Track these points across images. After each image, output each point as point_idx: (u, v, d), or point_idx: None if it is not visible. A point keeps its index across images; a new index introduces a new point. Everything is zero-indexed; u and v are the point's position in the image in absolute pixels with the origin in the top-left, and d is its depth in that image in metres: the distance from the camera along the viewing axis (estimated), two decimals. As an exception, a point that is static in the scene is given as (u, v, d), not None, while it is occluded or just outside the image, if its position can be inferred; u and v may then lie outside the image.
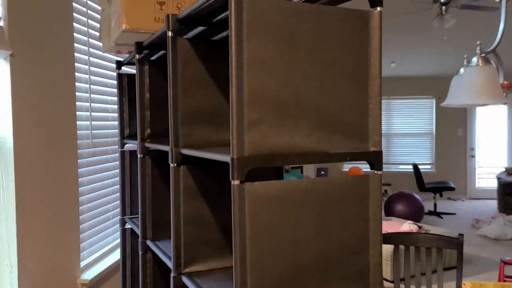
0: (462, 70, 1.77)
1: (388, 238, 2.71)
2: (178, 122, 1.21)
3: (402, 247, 3.91)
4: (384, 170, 9.20)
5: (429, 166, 9.07)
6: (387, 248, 4.49)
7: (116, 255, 2.61)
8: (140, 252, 1.59)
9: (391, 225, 5.12)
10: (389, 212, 6.49)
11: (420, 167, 9.04)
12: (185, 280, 1.19)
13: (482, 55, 1.58)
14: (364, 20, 0.94)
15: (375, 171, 0.96)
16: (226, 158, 0.89)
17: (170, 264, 1.30)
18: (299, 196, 0.89)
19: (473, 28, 5.92)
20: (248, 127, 0.85)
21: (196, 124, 1.23)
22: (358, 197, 0.95)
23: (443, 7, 5.02)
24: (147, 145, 1.57)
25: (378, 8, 0.95)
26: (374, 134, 0.96)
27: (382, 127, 9.23)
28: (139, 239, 1.59)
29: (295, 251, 0.89)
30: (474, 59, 1.59)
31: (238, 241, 0.84)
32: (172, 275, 1.22)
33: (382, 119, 9.21)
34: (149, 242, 1.57)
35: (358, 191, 0.95)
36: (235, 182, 0.84)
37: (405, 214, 6.35)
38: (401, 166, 9.20)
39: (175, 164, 1.21)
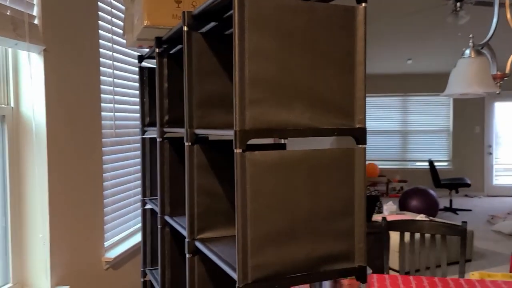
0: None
1: (393, 224, 2.83)
2: (193, 106, 1.38)
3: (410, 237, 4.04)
4: (400, 167, 9.24)
5: (445, 163, 9.08)
6: (395, 238, 4.59)
7: (138, 238, 2.81)
8: (159, 227, 1.77)
9: (404, 219, 5.21)
10: (404, 207, 6.57)
11: (436, 164, 9.06)
12: (197, 244, 1.36)
13: (475, 47, 1.70)
14: (350, 14, 1.09)
15: (360, 145, 1.11)
16: (230, 132, 1.05)
17: (185, 233, 1.47)
18: (293, 163, 1.05)
19: (487, 24, 5.94)
20: (249, 105, 1.01)
21: (208, 108, 1.40)
22: (344, 166, 1.10)
23: (458, 4, 5.08)
24: (165, 129, 1.74)
25: (363, 4, 1.09)
26: (359, 112, 1.11)
27: (398, 124, 9.27)
28: (158, 215, 1.77)
29: (289, 209, 1.04)
30: (467, 51, 1.71)
31: (240, 200, 1.00)
32: (186, 240, 1.39)
33: (398, 116, 9.25)
34: (166, 217, 1.74)
35: (344, 161, 1.10)
36: (238, 150, 1.00)
37: (419, 209, 6.42)
38: (417, 163, 9.23)
39: (190, 143, 1.38)
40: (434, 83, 9.00)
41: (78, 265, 2.21)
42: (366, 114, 8.96)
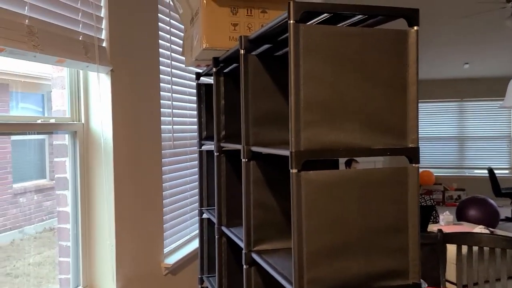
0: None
1: (450, 237, 2.77)
2: (249, 124, 1.45)
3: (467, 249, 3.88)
4: (457, 174, 8.90)
5: (506, 171, 8.64)
6: (452, 249, 4.45)
7: (195, 244, 2.93)
8: (216, 237, 1.86)
9: (461, 230, 5.04)
10: (461, 217, 6.33)
11: (496, 171, 8.64)
12: (254, 256, 1.43)
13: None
14: (402, 37, 1.13)
15: (413, 164, 1.14)
16: (286, 152, 1.11)
17: (241, 244, 1.55)
18: (346, 182, 1.09)
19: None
20: (304, 127, 1.07)
21: (263, 125, 1.47)
22: (398, 185, 1.13)
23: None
24: (222, 144, 1.84)
25: (415, 28, 1.13)
26: (411, 132, 1.14)
27: (454, 131, 8.94)
28: (215, 226, 1.86)
29: (342, 226, 1.09)
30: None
31: (296, 216, 1.06)
32: (243, 251, 1.46)
33: (454, 122, 8.93)
34: (223, 228, 1.83)
35: (397, 179, 1.13)
36: (294, 171, 1.06)
37: (478, 219, 6.16)
38: (476, 171, 8.86)
39: (246, 159, 1.46)
40: (492, 87, 8.62)
41: (140, 271, 2.35)
42: (421, 120, 8.69)
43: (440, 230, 2.76)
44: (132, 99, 2.30)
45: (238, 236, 1.66)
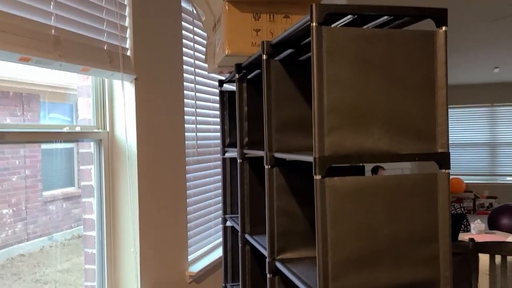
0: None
1: (482, 246, 2.67)
2: (272, 130, 1.43)
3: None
4: (488, 182, 8.63)
5: (540, 177, 8.32)
6: (485, 259, 4.29)
7: (218, 253, 2.91)
8: (240, 245, 1.83)
9: (493, 239, 4.85)
10: (493, 226, 6.11)
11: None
12: (278, 264, 1.40)
13: None
14: (430, 39, 1.08)
15: (443, 170, 1.09)
16: (309, 158, 1.08)
17: (265, 252, 1.52)
18: (373, 189, 1.05)
19: None
20: (328, 132, 1.04)
21: (286, 131, 1.44)
22: (427, 192, 1.08)
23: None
24: (245, 151, 1.82)
25: (443, 28, 1.08)
26: (441, 137, 1.09)
27: (485, 137, 8.69)
28: (239, 233, 1.84)
29: (369, 236, 1.05)
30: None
31: (320, 225, 1.03)
32: (267, 260, 1.43)
33: (485, 127, 8.67)
34: (247, 236, 1.80)
35: (427, 187, 1.08)
36: (317, 177, 1.03)
37: (511, 228, 5.93)
38: (508, 178, 8.57)
39: (269, 166, 1.43)
40: (525, 91, 8.34)
41: (164, 278, 2.34)
42: (450, 126, 8.47)
43: (471, 239, 2.66)
44: (156, 107, 2.31)
45: (261, 244, 1.63)
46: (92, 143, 2.15)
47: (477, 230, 4.98)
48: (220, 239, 3.14)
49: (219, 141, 3.15)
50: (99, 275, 2.14)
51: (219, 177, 3.14)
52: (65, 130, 1.92)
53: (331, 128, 1.04)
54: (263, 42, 1.39)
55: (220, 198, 3.15)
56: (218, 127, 3.14)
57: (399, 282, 1.07)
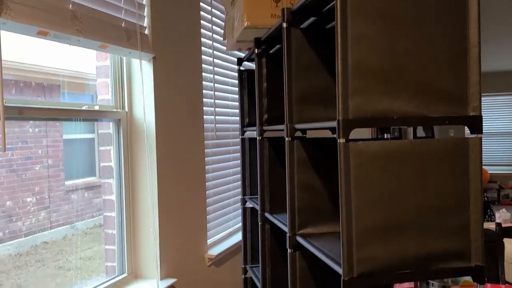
0: None
1: (509, 231, 2.57)
2: (292, 102, 1.38)
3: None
4: (516, 171, 8.38)
5: None
6: (510, 248, 4.16)
7: (238, 237, 2.89)
8: (259, 223, 1.80)
9: (520, 228, 4.71)
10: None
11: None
12: (299, 239, 1.36)
13: None
14: (461, -6, 1.02)
15: (476, 135, 1.03)
16: (332, 123, 1.04)
17: (285, 229, 1.48)
18: (400, 154, 1.00)
19: None
20: (352, 94, 0.99)
21: (307, 103, 1.40)
22: (458, 158, 1.03)
23: None
24: (264, 128, 1.77)
25: (475, -17, 1.02)
26: (473, 99, 1.03)
27: (510, 126, 8.43)
28: (259, 212, 1.80)
29: (395, 204, 1.00)
30: None
31: (344, 192, 0.98)
32: (288, 235, 1.39)
33: (510, 117, 8.42)
34: (267, 214, 1.77)
35: (458, 152, 1.02)
36: (341, 140, 0.98)
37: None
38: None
39: (290, 139, 1.39)
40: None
41: (183, 261, 2.33)
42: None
43: (499, 224, 2.57)
44: (174, 86, 2.28)
45: (281, 221, 1.59)
46: (111, 123, 2.13)
47: (503, 219, 4.84)
48: (240, 224, 3.12)
49: (237, 125, 3.11)
50: (119, 255, 2.13)
51: (238, 161, 3.11)
52: (84, 108, 1.91)
53: (355, 90, 0.99)
54: (283, 9, 1.35)
55: (239, 182, 3.12)
56: (237, 110, 3.11)
57: (427, 252, 1.02)
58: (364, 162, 0.99)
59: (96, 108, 1.99)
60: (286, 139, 1.39)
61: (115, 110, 2.10)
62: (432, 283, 1.87)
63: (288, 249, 1.39)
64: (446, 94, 1.02)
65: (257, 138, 1.79)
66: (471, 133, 1.04)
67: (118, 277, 2.10)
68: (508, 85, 8.33)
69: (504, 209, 5.17)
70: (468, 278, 1.86)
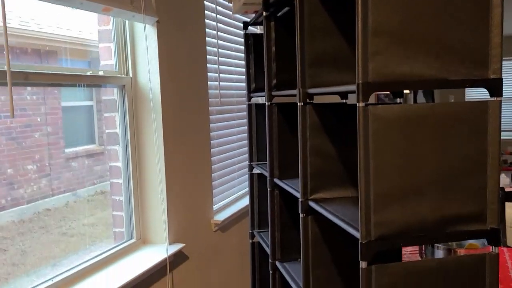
0: None
1: (509, 196, 2.60)
2: (305, 66, 1.36)
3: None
4: (513, 138, 8.42)
5: None
6: (509, 212, 4.22)
7: (242, 203, 2.91)
8: (268, 189, 1.81)
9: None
10: (518, 181, 5.99)
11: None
12: (311, 204, 1.37)
13: None
14: (486, -49, 0.98)
15: (495, 98, 1.02)
16: (351, 87, 1.02)
17: (297, 194, 1.48)
18: (418, 117, 0.99)
19: None
20: (372, 56, 0.97)
21: (320, 67, 1.37)
22: (477, 122, 1.02)
23: None
24: (273, 93, 1.75)
25: None
26: (494, 62, 1.01)
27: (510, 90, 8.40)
28: (268, 178, 1.81)
29: (414, 166, 1.00)
30: None
31: (362, 155, 0.98)
32: (300, 200, 1.40)
33: (510, 81, 8.38)
34: (276, 180, 1.77)
35: (477, 115, 1.01)
36: (360, 104, 0.97)
37: (536, 183, 5.81)
38: (534, 134, 8.33)
39: (302, 103, 1.37)
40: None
41: (190, 227, 2.35)
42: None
43: (502, 188, 2.60)
44: (178, 51, 2.24)
45: (292, 187, 1.59)
46: (115, 90, 2.11)
47: (501, 185, 4.89)
48: (245, 190, 3.14)
49: (241, 91, 3.08)
50: (127, 221, 2.15)
51: (242, 128, 3.10)
52: (88, 74, 1.88)
53: (375, 53, 0.97)
54: (296, -31, 1.30)
55: (243, 149, 3.12)
56: (241, 77, 3.07)
57: (444, 215, 1.02)
58: (383, 126, 0.98)
59: (101, 73, 1.95)
60: (299, 104, 1.37)
61: (119, 75, 2.07)
62: (438, 246, 1.90)
63: (300, 214, 1.40)
64: (467, 56, 1.00)
65: (266, 103, 1.77)
66: (491, 96, 1.02)
67: (127, 242, 2.12)
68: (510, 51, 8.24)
69: (503, 175, 5.21)
70: (473, 242, 1.89)
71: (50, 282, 1.70)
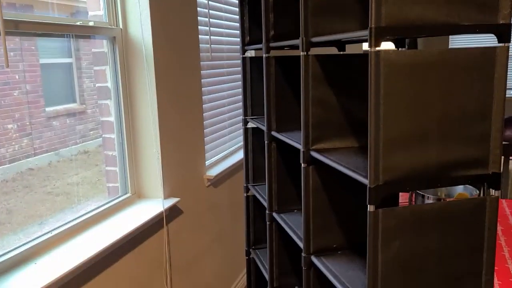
0: None
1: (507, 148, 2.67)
2: (308, 13, 1.34)
3: None
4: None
5: (546, 92, 8.27)
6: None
7: (235, 158, 2.92)
8: (266, 142, 1.81)
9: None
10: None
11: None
12: (313, 154, 1.38)
13: None
14: None
15: (503, 44, 1.03)
16: (363, 33, 1.01)
17: (297, 145, 1.49)
18: (429, 63, 1.00)
19: None
20: (385, 1, 0.95)
21: (324, 15, 1.35)
22: (484, 67, 1.03)
23: None
24: (271, 45, 1.73)
25: None
26: (504, 7, 1.01)
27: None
28: (265, 131, 1.81)
29: (422, 111, 1.01)
30: None
31: (373, 100, 0.98)
32: (302, 150, 1.41)
33: (494, 41, 8.44)
34: (274, 133, 1.78)
35: (484, 61, 1.02)
36: (373, 49, 0.96)
37: (514, 140, 6.00)
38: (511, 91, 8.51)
39: (306, 53, 1.36)
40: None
41: (184, 182, 2.36)
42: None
43: (507, 142, 2.66)
44: (169, 1, 2.17)
45: (291, 139, 1.60)
46: (105, 41, 2.04)
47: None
48: (237, 145, 3.15)
49: (232, 46, 3.03)
50: (121, 175, 2.14)
51: (233, 83, 3.07)
52: (78, 23, 1.81)
53: (388, -4, 0.95)
54: None
55: (235, 105, 3.10)
56: (231, 31, 3.01)
57: (449, 159, 1.05)
58: (394, 71, 0.98)
59: (91, 24, 1.89)
60: (302, 53, 1.36)
61: (109, 27, 2.00)
62: (428, 197, 1.96)
63: (302, 164, 1.42)
64: (477, 1, 1.00)
65: (264, 55, 1.75)
66: (499, 41, 1.03)
67: (122, 196, 2.13)
68: None
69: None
70: (462, 191, 1.95)
71: (49, 235, 1.70)
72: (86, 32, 1.86)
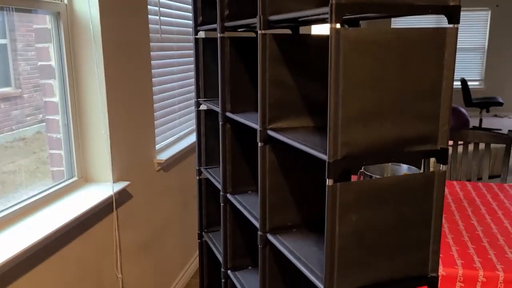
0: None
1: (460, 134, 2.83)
2: (266, -9, 1.33)
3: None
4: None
5: (477, 83, 8.85)
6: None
7: (186, 142, 2.88)
8: (220, 123, 1.80)
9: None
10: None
11: (468, 83, 8.82)
12: (270, 133, 1.39)
13: None
14: None
15: (453, 25, 1.08)
16: (324, 9, 1.02)
17: (254, 125, 1.50)
18: (387, 41, 1.03)
19: None
20: (346, -23, 0.97)
21: (281, -6, 1.35)
22: (436, 48, 1.07)
23: None
24: (226, 24, 1.71)
25: None
26: (455, -11, 1.06)
27: (431, 42, 8.91)
28: (219, 112, 1.79)
29: (379, 88, 1.04)
30: None
31: (333, 77, 1.00)
32: (259, 129, 1.41)
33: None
34: (228, 114, 1.77)
35: (436, 40, 1.07)
36: (333, 25, 0.98)
37: (450, 127, 6.38)
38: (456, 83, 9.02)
39: (262, 31, 1.35)
40: (472, -3, 8.50)
41: (133, 165, 2.30)
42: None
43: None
44: (119, -21, 2.08)
45: (246, 119, 1.60)
46: (48, 17, 1.93)
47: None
48: (187, 130, 3.10)
49: (181, 28, 2.96)
50: (67, 159, 2.05)
51: (183, 67, 3.01)
52: (19, -4, 1.69)
53: (348, -27, 0.97)
54: None
55: (185, 89, 3.05)
56: (180, 12, 2.94)
57: (403, 135, 1.09)
58: (354, 48, 1.00)
59: (33, -3, 1.77)
60: (259, 32, 1.35)
61: (53, 1, 1.89)
62: (375, 177, 2.04)
63: (259, 143, 1.42)
64: (432, -18, 1.04)
65: (218, 35, 1.73)
66: (449, 22, 1.08)
67: (67, 180, 2.04)
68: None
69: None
70: (407, 171, 2.05)
71: (-11, 221, 1.60)
72: (26, 6, 1.75)
